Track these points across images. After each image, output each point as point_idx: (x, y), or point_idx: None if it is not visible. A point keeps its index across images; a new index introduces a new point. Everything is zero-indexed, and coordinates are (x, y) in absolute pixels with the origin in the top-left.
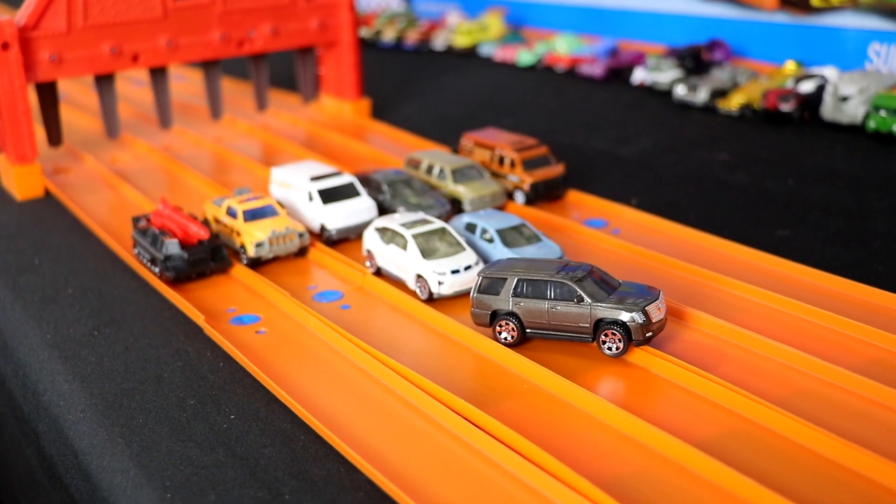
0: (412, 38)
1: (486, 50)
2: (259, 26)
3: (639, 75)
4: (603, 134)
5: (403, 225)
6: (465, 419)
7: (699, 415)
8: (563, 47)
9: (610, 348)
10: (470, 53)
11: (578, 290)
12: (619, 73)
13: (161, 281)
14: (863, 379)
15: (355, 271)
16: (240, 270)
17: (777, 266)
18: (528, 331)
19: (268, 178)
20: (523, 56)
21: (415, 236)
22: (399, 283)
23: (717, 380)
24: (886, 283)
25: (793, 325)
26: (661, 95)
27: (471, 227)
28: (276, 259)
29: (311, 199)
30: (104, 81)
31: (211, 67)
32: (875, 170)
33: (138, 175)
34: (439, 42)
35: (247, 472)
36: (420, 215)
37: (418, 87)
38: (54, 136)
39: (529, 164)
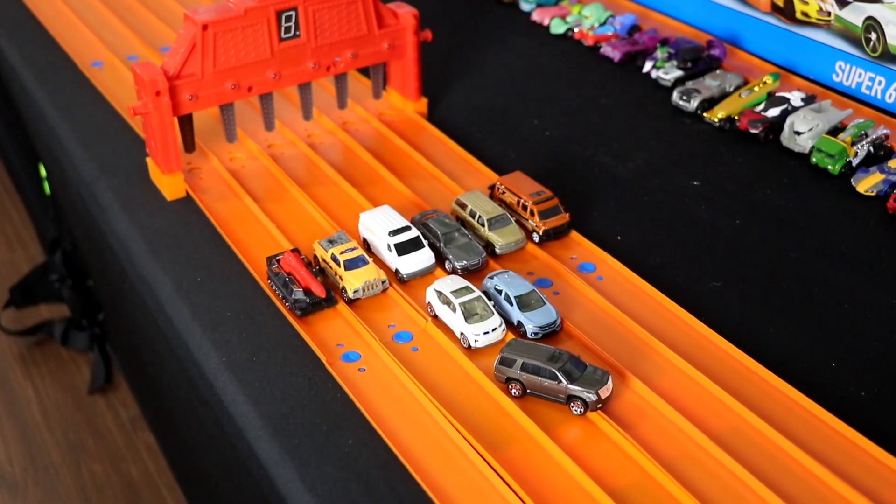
0: None
1: (526, 6)
2: (342, 53)
3: (648, 66)
4: (608, 144)
5: (453, 292)
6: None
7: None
8: (589, 22)
9: (575, 411)
10: (513, 3)
11: (559, 375)
12: (634, 56)
13: (290, 314)
14: None
15: (420, 316)
16: (342, 306)
17: (702, 334)
18: (528, 391)
19: (348, 197)
20: (556, 24)
21: (461, 304)
22: (450, 332)
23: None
24: (783, 342)
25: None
26: (664, 91)
27: (498, 290)
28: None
29: (389, 249)
30: (226, 106)
31: (304, 86)
32: (806, 209)
33: (253, 179)
34: None
35: (363, 488)
36: (464, 283)
37: (462, 54)
38: (189, 146)
39: (544, 214)
